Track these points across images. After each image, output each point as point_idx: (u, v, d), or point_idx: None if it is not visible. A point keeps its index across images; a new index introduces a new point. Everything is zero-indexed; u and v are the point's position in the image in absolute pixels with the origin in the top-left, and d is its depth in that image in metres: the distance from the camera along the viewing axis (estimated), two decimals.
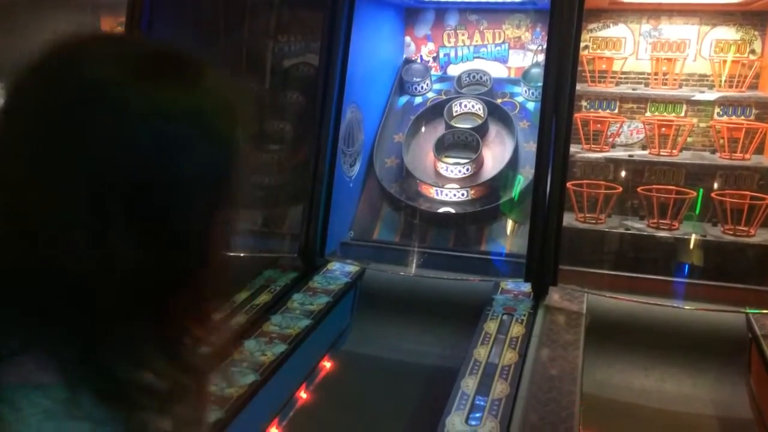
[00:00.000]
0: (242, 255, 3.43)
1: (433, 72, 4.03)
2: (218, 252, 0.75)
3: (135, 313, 0.67)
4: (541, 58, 3.50)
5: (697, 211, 3.36)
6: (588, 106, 3.71)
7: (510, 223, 3.49)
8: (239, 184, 0.76)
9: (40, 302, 0.65)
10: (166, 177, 0.67)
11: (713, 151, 3.52)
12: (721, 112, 3.57)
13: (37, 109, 0.66)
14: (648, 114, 3.64)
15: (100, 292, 0.65)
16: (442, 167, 3.67)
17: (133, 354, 0.67)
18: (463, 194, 3.58)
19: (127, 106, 0.66)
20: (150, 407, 0.67)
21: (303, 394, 2.63)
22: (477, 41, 3.97)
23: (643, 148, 3.61)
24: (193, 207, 0.70)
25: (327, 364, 2.83)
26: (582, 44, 3.33)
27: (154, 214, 0.66)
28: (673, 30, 3.62)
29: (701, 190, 3.37)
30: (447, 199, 3.59)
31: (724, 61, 3.54)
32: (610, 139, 3.60)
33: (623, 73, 3.69)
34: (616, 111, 3.68)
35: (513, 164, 3.60)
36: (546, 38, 3.14)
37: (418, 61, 4.06)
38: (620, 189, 3.41)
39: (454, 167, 3.64)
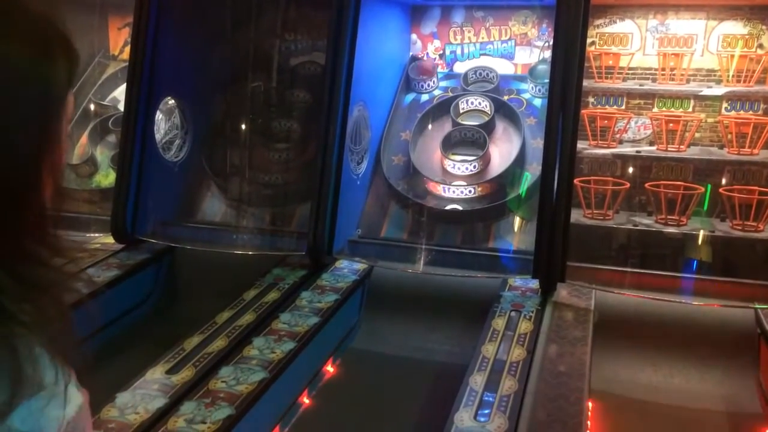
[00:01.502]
0: (251, 253, 3.46)
1: (439, 69, 4.03)
2: (53, 175, 0.78)
3: None
4: (548, 54, 3.50)
5: (705, 207, 3.36)
6: (595, 102, 3.71)
7: (517, 220, 3.49)
8: (61, 115, 0.79)
9: None
10: None
11: (721, 147, 3.51)
12: (728, 107, 3.56)
13: None
14: (655, 110, 3.64)
15: None
16: (449, 164, 3.67)
17: None
18: (470, 191, 3.58)
19: None
20: (4, 321, 0.70)
21: (312, 392, 2.64)
22: (483, 38, 3.97)
23: (651, 143, 3.60)
24: (16, 132, 0.73)
25: (336, 362, 2.85)
26: (588, 40, 3.32)
27: None
28: (680, 25, 3.61)
29: (709, 186, 3.36)
30: (454, 196, 3.59)
31: (732, 56, 3.53)
32: (618, 135, 3.59)
33: (630, 68, 3.69)
34: (623, 107, 3.68)
35: (520, 161, 3.60)
36: (552, 35, 3.14)
37: (425, 58, 4.06)
38: (628, 185, 3.41)
39: (461, 164, 3.65)
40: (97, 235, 3.60)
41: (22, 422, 0.69)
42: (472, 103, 3.84)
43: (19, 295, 0.73)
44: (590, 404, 2.20)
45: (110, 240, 3.45)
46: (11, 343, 0.70)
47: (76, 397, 0.75)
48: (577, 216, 3.30)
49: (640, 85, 3.65)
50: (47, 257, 0.77)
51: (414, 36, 4.07)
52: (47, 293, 0.76)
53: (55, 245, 0.79)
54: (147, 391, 2.22)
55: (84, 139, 4.26)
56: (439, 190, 3.61)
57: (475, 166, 3.63)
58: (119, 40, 4.50)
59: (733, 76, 3.53)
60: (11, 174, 0.73)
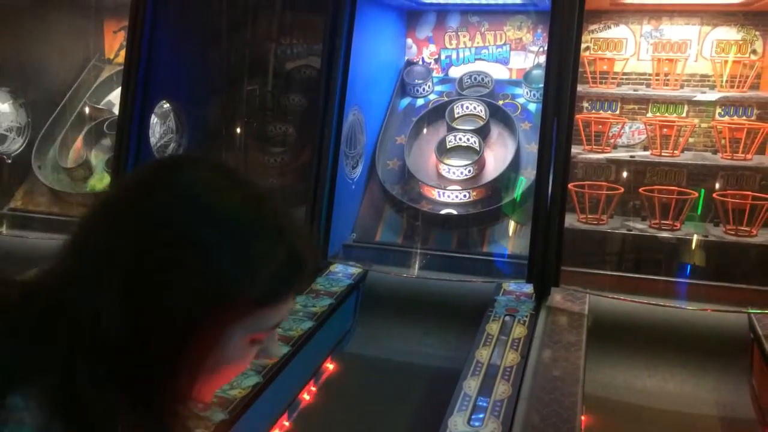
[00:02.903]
0: None
1: (434, 74, 4.04)
2: (205, 352, 0.77)
3: (115, 381, 0.72)
4: (543, 59, 3.51)
5: (699, 212, 3.37)
6: (589, 107, 3.72)
7: (512, 224, 3.50)
8: (249, 305, 0.78)
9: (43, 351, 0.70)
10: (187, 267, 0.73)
11: (715, 152, 3.52)
12: (722, 113, 3.57)
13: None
14: (649, 115, 3.65)
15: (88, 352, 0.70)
16: (444, 169, 3.68)
17: (108, 420, 0.71)
18: (465, 196, 3.59)
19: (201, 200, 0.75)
20: None
21: (306, 396, 2.64)
22: (478, 43, 3.98)
23: (645, 148, 3.61)
24: (192, 301, 0.73)
25: (330, 366, 2.84)
26: (583, 45, 3.33)
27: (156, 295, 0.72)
28: (674, 30, 3.63)
29: (703, 191, 3.37)
30: (449, 200, 3.59)
31: (726, 62, 3.55)
32: (612, 140, 3.61)
33: (624, 73, 3.70)
34: (618, 112, 3.69)
35: (515, 165, 3.60)
36: (547, 40, 3.15)
37: (420, 63, 4.07)
38: (622, 190, 3.42)
39: (456, 169, 3.65)
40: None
41: None
42: (467, 107, 3.84)
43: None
44: (583, 418, 2.20)
45: None
46: None
47: None
48: (571, 220, 3.31)
49: (635, 90, 3.66)
50: (184, 415, 0.78)
51: (409, 40, 4.08)
52: None
53: (190, 407, 0.79)
54: None
55: (79, 142, 4.26)
56: (434, 194, 3.61)
57: (469, 171, 3.64)
58: (115, 43, 4.50)
59: (726, 81, 3.54)
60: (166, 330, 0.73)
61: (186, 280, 0.72)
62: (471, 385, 2.28)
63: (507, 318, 2.77)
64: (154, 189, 0.76)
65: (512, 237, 3.46)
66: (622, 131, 3.64)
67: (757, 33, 3.54)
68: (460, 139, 3.75)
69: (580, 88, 3.24)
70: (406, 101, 4.00)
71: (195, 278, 0.73)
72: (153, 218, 0.74)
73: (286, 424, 2.48)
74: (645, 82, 3.69)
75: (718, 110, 3.58)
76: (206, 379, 0.79)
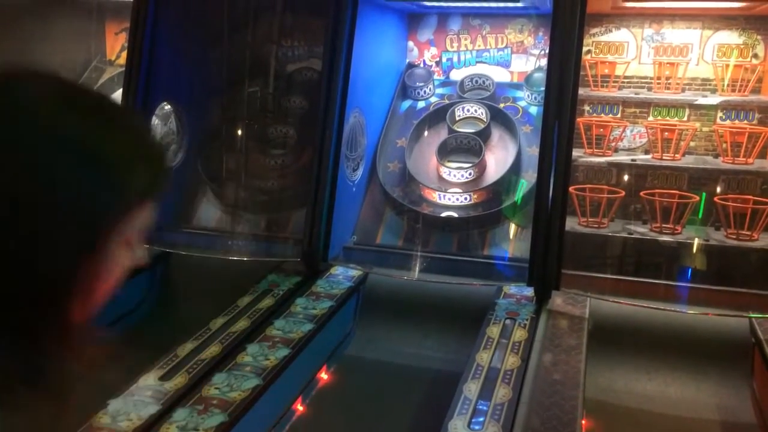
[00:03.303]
0: (246, 259, 3.45)
1: (435, 77, 4.04)
2: (88, 286, 0.77)
3: None
4: (544, 62, 3.51)
5: (700, 216, 3.36)
6: (590, 111, 3.72)
7: (513, 228, 3.49)
8: (124, 233, 0.79)
9: None
10: (45, 200, 0.71)
11: (716, 156, 3.52)
12: (723, 117, 3.57)
13: None
14: (651, 118, 3.65)
15: None
16: (444, 171, 3.67)
17: None
18: (465, 198, 3.59)
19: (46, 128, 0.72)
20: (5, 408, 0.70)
21: (306, 399, 2.63)
22: (480, 46, 3.98)
23: (646, 152, 3.61)
24: (63, 237, 0.73)
25: (330, 368, 2.84)
26: (584, 49, 3.33)
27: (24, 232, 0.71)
28: (676, 34, 3.63)
29: (704, 195, 3.36)
30: (450, 203, 3.59)
31: (727, 66, 3.54)
32: (613, 144, 3.60)
33: (626, 77, 3.70)
34: (619, 115, 3.69)
35: (516, 168, 3.60)
36: (548, 43, 3.15)
37: (421, 65, 4.07)
38: (623, 193, 3.41)
39: (456, 171, 3.65)
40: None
41: None
42: (468, 110, 3.84)
43: (20, 381, 0.72)
44: (583, 422, 2.19)
45: None
46: None
47: None
48: (572, 224, 3.30)
49: (636, 94, 3.66)
50: (64, 357, 0.76)
51: (411, 43, 4.08)
52: (52, 393, 0.75)
53: (74, 348, 0.78)
54: (140, 398, 2.21)
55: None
56: (435, 197, 3.61)
57: (470, 174, 3.64)
58: (116, 45, 4.50)
59: (728, 85, 3.54)
60: (61, 260, 0.73)
61: (51, 210, 0.72)
62: (471, 389, 2.28)
63: (507, 321, 2.77)
64: None
65: (513, 240, 3.46)
66: (624, 135, 3.64)
67: (759, 37, 3.53)
68: (461, 141, 3.74)
69: (581, 91, 3.24)
70: (407, 104, 4.00)
71: (60, 208, 0.72)
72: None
73: (286, 426, 2.48)
74: (646, 85, 3.69)
75: (720, 114, 3.58)
76: (90, 298, 0.79)
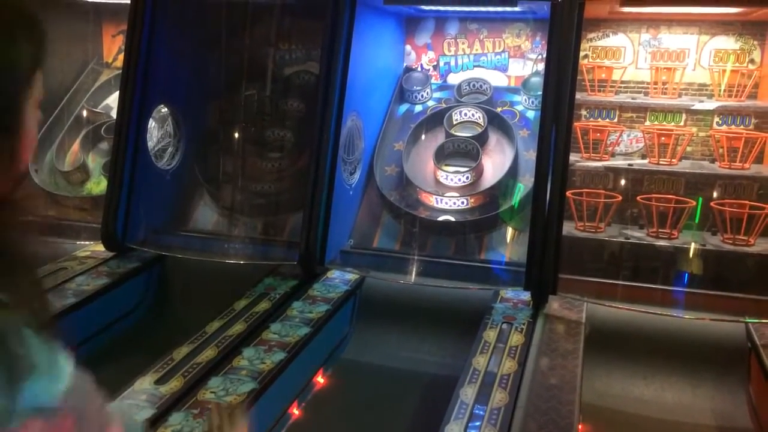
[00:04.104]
0: (242, 262, 3.44)
1: (433, 80, 4.05)
2: (13, 156, 0.80)
3: None
4: (541, 67, 3.51)
5: (697, 220, 3.37)
6: (587, 115, 3.72)
7: (510, 232, 3.49)
8: (25, 98, 0.81)
9: None
10: None
11: (712, 161, 3.53)
12: (720, 122, 3.58)
13: None
14: (647, 123, 3.65)
15: None
16: (442, 175, 3.67)
17: None
18: (462, 202, 3.59)
19: None
20: None
21: (302, 402, 2.62)
22: (477, 50, 3.99)
23: (643, 157, 3.62)
24: None
25: (326, 372, 2.83)
26: (581, 53, 3.34)
27: None
28: (673, 39, 3.64)
29: (700, 200, 3.37)
30: (447, 207, 3.59)
31: (724, 71, 3.55)
32: (610, 148, 3.61)
33: (623, 82, 3.71)
34: (616, 120, 3.69)
35: (513, 173, 3.60)
36: (546, 47, 3.16)
37: (419, 69, 4.07)
38: (620, 198, 3.42)
39: (454, 176, 3.65)
40: (87, 242, 3.58)
41: (24, 403, 0.69)
42: (465, 114, 3.84)
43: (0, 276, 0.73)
44: (580, 427, 2.19)
45: (101, 248, 3.44)
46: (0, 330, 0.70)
47: (67, 368, 0.75)
48: (569, 228, 3.31)
49: (633, 99, 3.67)
50: (24, 239, 0.77)
51: (408, 47, 4.08)
52: (23, 269, 0.76)
53: (27, 228, 0.79)
54: (135, 402, 2.20)
55: (76, 146, 4.25)
56: (432, 201, 3.61)
57: (467, 177, 3.64)
58: (113, 47, 4.49)
59: (724, 90, 3.55)
60: None
61: None
62: (468, 393, 2.27)
63: (504, 325, 2.76)
64: None
65: (510, 244, 3.46)
66: (620, 139, 3.64)
67: (755, 42, 3.55)
68: (459, 145, 3.75)
69: (578, 96, 3.24)
70: (404, 107, 4.00)
71: None
72: None
73: (282, 430, 2.47)
74: (643, 90, 3.70)
75: (716, 119, 3.59)
76: (15, 166, 0.81)
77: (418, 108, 3.99)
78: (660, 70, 3.63)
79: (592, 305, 2.94)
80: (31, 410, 0.70)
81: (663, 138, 3.52)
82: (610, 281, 3.16)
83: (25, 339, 0.72)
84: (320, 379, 2.78)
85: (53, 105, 4.22)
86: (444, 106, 3.94)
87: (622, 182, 3.54)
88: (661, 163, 3.50)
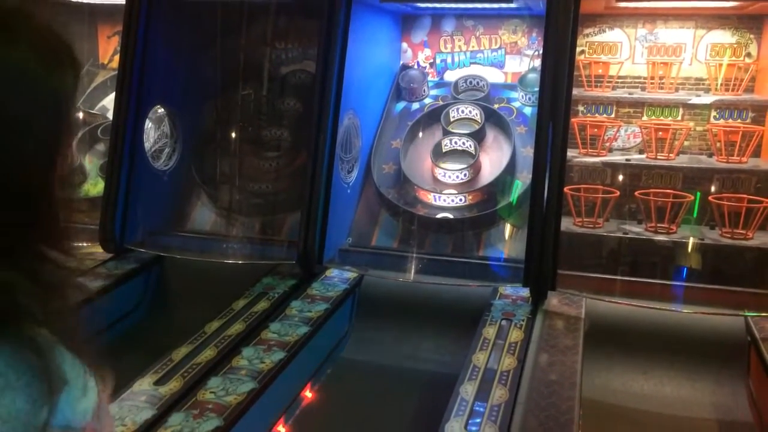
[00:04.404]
0: (241, 262, 3.44)
1: (430, 78, 4.04)
2: (60, 185, 0.82)
3: None
4: (538, 63, 3.51)
5: (695, 215, 3.37)
6: (585, 111, 3.72)
7: (508, 228, 3.49)
8: (71, 123, 0.84)
9: None
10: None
11: (710, 155, 3.53)
12: (717, 116, 3.58)
13: None
14: (645, 118, 3.65)
15: None
16: (439, 173, 3.67)
17: None
18: (461, 200, 3.58)
19: None
20: (24, 321, 0.73)
21: (302, 402, 2.62)
22: (473, 47, 3.98)
23: (640, 152, 3.62)
24: (23, 148, 0.76)
25: (326, 371, 2.83)
26: (578, 49, 3.33)
27: None
28: (669, 34, 3.63)
29: (698, 194, 3.37)
30: (445, 204, 3.59)
31: (720, 65, 3.55)
32: (607, 144, 3.61)
33: (619, 77, 3.70)
34: (613, 115, 3.69)
35: (510, 169, 3.60)
36: (542, 43, 3.15)
37: (415, 67, 4.07)
38: (618, 193, 3.42)
39: (451, 173, 3.65)
40: (85, 244, 3.57)
41: (55, 419, 0.71)
42: (462, 111, 3.84)
43: (34, 294, 0.75)
44: (581, 413, 2.19)
45: (98, 249, 3.43)
46: (36, 343, 0.72)
47: (95, 389, 0.78)
48: (567, 224, 3.31)
49: (630, 94, 3.67)
50: (58, 257, 0.81)
51: (404, 44, 4.08)
52: (59, 291, 0.79)
53: (65, 247, 0.83)
54: (134, 403, 2.20)
55: (73, 148, 4.23)
56: (430, 198, 3.61)
57: (465, 175, 3.64)
58: (109, 48, 4.48)
59: (721, 84, 3.55)
60: (27, 177, 0.76)
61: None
62: (468, 390, 2.27)
63: (503, 322, 2.76)
64: None
65: (508, 241, 3.46)
66: (618, 135, 3.64)
67: (752, 36, 3.54)
68: (456, 142, 3.74)
69: (575, 91, 3.24)
70: (401, 105, 4.00)
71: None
72: None
73: (282, 430, 2.47)
74: (640, 85, 3.70)
75: (713, 113, 3.58)
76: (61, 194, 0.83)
77: (415, 105, 3.98)
78: (657, 64, 3.63)
79: (591, 301, 2.94)
80: (62, 428, 0.72)
81: (660, 133, 3.52)
82: (609, 276, 3.16)
83: (58, 355, 0.74)
84: (320, 378, 2.78)
85: None
86: (441, 103, 3.93)
87: (620, 177, 3.54)
88: (658, 158, 3.50)
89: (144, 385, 2.31)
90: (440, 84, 4.04)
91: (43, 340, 0.74)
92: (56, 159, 0.80)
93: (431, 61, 4.06)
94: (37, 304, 0.75)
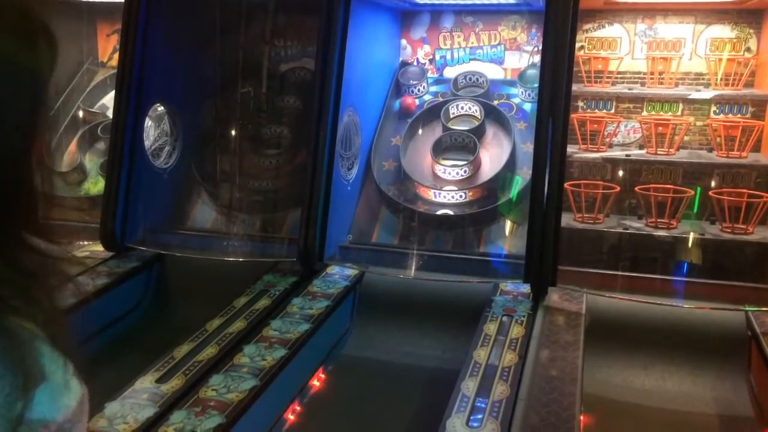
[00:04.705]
0: (241, 260, 3.44)
1: (429, 74, 4.04)
2: (39, 160, 0.79)
3: None
4: (537, 59, 3.51)
5: (695, 210, 3.37)
6: (584, 107, 3.72)
7: (508, 224, 3.49)
8: (47, 104, 0.81)
9: None
10: None
11: (710, 150, 3.53)
12: (717, 111, 3.58)
13: None
14: (644, 113, 3.65)
15: None
16: (439, 169, 3.67)
17: None
18: (461, 196, 3.58)
19: None
20: (1, 311, 0.71)
21: (304, 398, 2.63)
22: (473, 43, 3.98)
23: (640, 147, 3.62)
24: (8, 119, 0.75)
25: (327, 368, 2.83)
26: (577, 45, 3.33)
27: None
28: (669, 29, 3.63)
29: (699, 189, 3.37)
30: (445, 201, 3.59)
31: (720, 60, 3.55)
32: (607, 139, 3.61)
33: (619, 72, 3.70)
34: (613, 111, 3.69)
35: (510, 165, 3.60)
36: (541, 39, 3.15)
37: (415, 63, 4.06)
38: (618, 188, 3.42)
39: (451, 169, 3.65)
40: (86, 243, 3.57)
41: (31, 412, 0.70)
42: (462, 107, 3.84)
43: (15, 284, 0.74)
44: (582, 418, 2.19)
45: (99, 248, 3.43)
46: (14, 335, 0.71)
47: (77, 387, 0.76)
48: (567, 220, 3.31)
49: (629, 89, 3.66)
50: (40, 245, 0.78)
51: (404, 41, 4.07)
52: (40, 279, 0.77)
53: (47, 232, 0.80)
54: (136, 401, 2.20)
55: (73, 146, 4.24)
56: (430, 195, 3.61)
57: (465, 171, 3.64)
58: (108, 46, 4.48)
59: (721, 79, 3.55)
60: (2, 160, 0.74)
61: None
62: (469, 386, 2.28)
63: (504, 318, 2.77)
64: None
65: (509, 237, 3.46)
66: (618, 130, 3.64)
67: (751, 31, 3.54)
68: (456, 139, 3.74)
69: (575, 87, 3.24)
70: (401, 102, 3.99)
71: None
72: None
73: (284, 426, 2.47)
74: (640, 80, 3.70)
75: (713, 108, 3.58)
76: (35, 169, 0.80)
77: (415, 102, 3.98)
78: (656, 60, 3.63)
79: (592, 296, 2.94)
80: (39, 421, 0.71)
81: (660, 128, 3.52)
82: (610, 272, 3.17)
83: (38, 349, 0.73)
84: (321, 375, 2.79)
85: (48, 106, 4.20)
86: (440, 99, 3.93)
87: (620, 173, 3.54)
88: (658, 153, 3.50)
89: (146, 382, 2.31)
90: (440, 80, 4.03)
91: (22, 332, 0.72)
92: (33, 141, 0.78)
93: (430, 57, 4.05)
94: (17, 292, 0.73)
